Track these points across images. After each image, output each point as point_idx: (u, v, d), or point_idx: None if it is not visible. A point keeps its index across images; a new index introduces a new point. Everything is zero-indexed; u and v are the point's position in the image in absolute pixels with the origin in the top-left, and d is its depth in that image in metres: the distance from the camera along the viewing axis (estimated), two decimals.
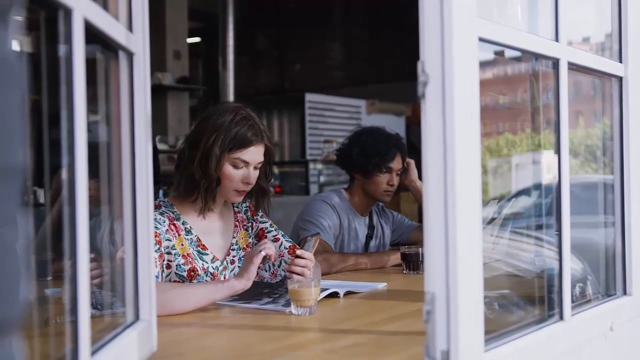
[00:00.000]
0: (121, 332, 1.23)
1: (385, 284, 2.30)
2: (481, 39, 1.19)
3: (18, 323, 0.56)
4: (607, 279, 1.80)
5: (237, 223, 2.27)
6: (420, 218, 4.14)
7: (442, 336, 1.12)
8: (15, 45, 0.57)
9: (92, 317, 1.01)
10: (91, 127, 1.05)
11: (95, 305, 1.28)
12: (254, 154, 2.10)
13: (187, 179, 2.10)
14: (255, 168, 2.12)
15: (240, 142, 2.07)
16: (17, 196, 0.57)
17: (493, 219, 1.91)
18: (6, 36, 0.56)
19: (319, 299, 1.86)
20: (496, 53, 1.39)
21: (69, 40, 0.96)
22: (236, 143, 2.06)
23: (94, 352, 1.04)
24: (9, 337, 0.55)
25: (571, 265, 1.50)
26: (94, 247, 1.08)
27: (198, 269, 2.09)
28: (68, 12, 0.95)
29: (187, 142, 2.13)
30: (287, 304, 1.85)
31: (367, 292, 2.18)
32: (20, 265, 0.56)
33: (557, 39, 1.46)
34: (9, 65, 0.56)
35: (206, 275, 2.11)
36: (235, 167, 2.09)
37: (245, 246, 2.26)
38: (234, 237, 2.24)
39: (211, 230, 2.19)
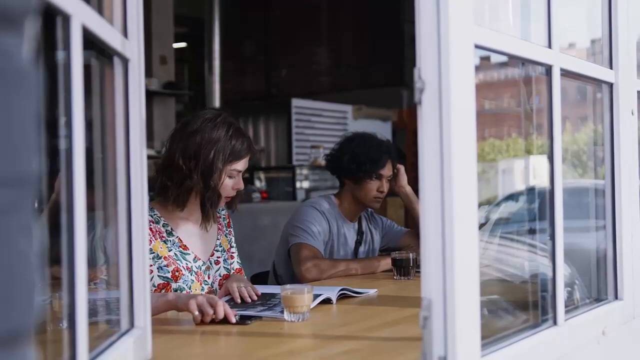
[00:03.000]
0: (117, 339, 1.22)
1: (375, 290, 2.30)
2: (477, 46, 1.20)
3: (32, 332, 0.56)
4: (599, 284, 1.81)
5: (219, 227, 2.35)
6: (407, 223, 4.15)
7: (439, 342, 1.12)
8: (29, 54, 0.57)
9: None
10: (85, 133, 1.04)
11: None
12: (246, 162, 2.24)
13: (184, 189, 2.14)
14: (242, 174, 2.25)
15: (238, 154, 2.19)
16: (31, 205, 0.56)
17: (482, 225, 1.92)
18: (20, 45, 0.55)
19: (312, 306, 1.85)
20: (482, 58, 1.39)
21: (67, 47, 0.96)
22: (235, 156, 2.18)
23: None
24: (24, 345, 0.54)
25: None
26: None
27: (181, 268, 2.14)
28: (66, 19, 0.95)
29: (181, 154, 2.14)
30: (283, 311, 1.85)
31: (359, 298, 2.18)
32: (34, 274, 0.56)
33: (549, 46, 1.47)
34: (24, 74, 0.55)
35: (190, 274, 2.16)
36: (231, 177, 2.20)
37: (226, 249, 2.35)
38: (217, 239, 2.32)
39: (194, 232, 2.25)
